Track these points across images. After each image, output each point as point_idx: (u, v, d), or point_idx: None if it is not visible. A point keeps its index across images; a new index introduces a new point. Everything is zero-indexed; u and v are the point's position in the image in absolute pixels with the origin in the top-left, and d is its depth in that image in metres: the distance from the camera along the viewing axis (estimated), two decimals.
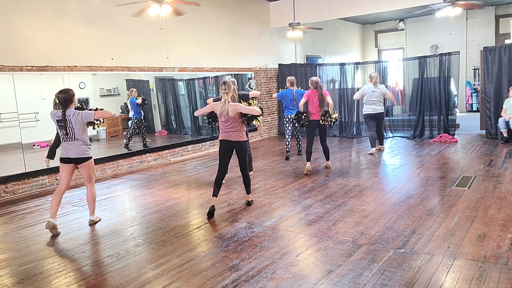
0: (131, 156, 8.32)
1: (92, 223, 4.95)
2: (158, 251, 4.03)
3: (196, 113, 5.69)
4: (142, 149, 8.65)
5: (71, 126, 4.67)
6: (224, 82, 5.07)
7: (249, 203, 5.38)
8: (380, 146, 8.82)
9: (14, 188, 6.51)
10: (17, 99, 6.56)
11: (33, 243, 4.44)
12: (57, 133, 4.90)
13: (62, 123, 4.66)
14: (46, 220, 4.77)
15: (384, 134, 10.54)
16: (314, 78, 7.14)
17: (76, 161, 4.79)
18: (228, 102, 5.01)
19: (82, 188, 6.67)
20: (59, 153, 4.97)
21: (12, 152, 7.03)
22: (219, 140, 5.25)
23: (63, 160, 4.79)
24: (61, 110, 4.65)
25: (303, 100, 7.02)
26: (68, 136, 4.68)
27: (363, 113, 8.65)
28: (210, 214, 4.99)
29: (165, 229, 4.64)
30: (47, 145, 7.34)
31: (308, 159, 7.02)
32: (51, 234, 4.63)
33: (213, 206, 5.05)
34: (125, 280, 3.46)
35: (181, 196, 6.05)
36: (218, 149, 5.42)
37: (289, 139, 8.37)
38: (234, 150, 5.22)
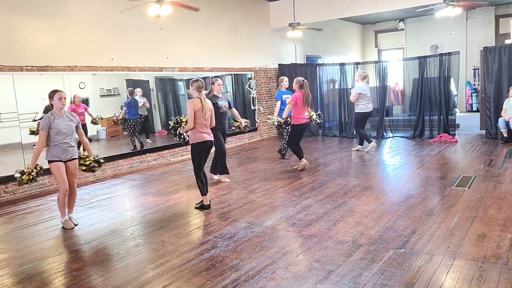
0: (131, 156, 8.32)
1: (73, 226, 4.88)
2: (158, 251, 4.03)
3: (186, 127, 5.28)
4: (142, 149, 8.64)
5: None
6: (197, 80, 5.11)
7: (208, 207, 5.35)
8: (360, 146, 8.85)
9: (14, 188, 6.50)
10: (17, 99, 6.56)
11: (33, 243, 4.45)
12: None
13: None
14: (65, 221, 4.82)
15: (384, 134, 10.57)
16: (299, 77, 7.15)
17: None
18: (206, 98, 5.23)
19: (82, 188, 6.69)
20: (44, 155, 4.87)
21: (12, 152, 7.02)
22: (204, 141, 5.19)
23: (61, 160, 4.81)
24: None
25: (289, 106, 7.02)
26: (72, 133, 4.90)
27: (362, 111, 8.58)
28: (208, 208, 5.24)
29: (165, 229, 4.64)
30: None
31: (302, 156, 7.17)
32: (55, 231, 4.65)
33: (209, 203, 5.30)
34: (125, 280, 3.46)
35: (181, 196, 6.06)
36: (195, 150, 5.27)
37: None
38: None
